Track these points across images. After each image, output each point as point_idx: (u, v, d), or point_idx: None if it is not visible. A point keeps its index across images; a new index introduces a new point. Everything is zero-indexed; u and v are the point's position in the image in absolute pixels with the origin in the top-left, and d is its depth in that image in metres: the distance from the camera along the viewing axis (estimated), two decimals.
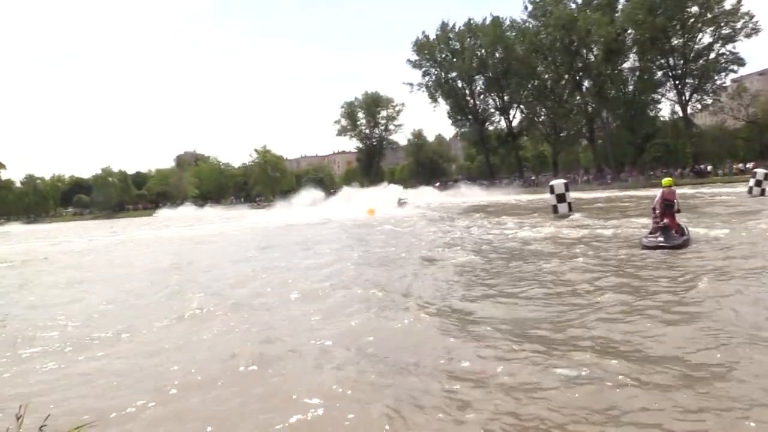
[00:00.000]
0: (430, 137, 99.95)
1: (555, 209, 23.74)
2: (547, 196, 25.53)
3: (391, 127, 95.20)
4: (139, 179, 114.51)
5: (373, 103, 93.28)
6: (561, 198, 23.83)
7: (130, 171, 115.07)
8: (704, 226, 15.62)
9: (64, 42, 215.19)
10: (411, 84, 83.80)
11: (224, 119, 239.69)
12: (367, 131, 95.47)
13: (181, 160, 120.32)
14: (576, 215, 22.82)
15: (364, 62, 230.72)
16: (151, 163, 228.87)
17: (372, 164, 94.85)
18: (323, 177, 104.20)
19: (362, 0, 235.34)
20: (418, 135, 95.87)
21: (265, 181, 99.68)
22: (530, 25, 72.74)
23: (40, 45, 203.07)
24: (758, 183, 29.34)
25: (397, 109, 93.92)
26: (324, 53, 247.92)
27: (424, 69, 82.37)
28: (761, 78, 70.23)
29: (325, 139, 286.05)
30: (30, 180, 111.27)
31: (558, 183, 24.70)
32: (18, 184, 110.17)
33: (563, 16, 66.52)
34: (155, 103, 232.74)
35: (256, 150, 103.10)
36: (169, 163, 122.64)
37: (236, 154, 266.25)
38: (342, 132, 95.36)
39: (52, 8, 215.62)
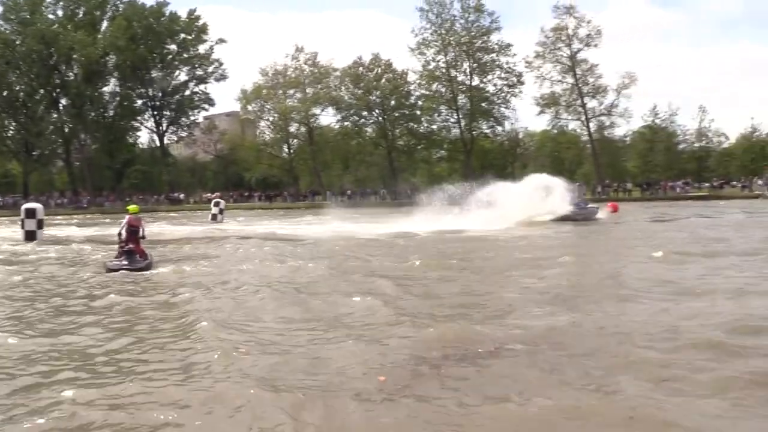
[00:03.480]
0: None
1: (32, 235, 22.40)
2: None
3: None
4: None
5: None
6: (41, 224, 23.15)
7: None
8: (172, 258, 16.41)
9: None
10: None
11: None
12: None
13: None
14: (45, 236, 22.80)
15: None
16: None
17: None
18: None
19: None
20: None
21: None
22: (4, 29, 64.72)
23: None
24: (220, 211, 33.64)
25: None
26: None
27: None
28: (227, 118, 79.79)
29: None
30: None
31: (39, 207, 24.42)
32: None
33: (43, 28, 61.77)
34: None
35: None
36: None
37: None
38: None
39: None
